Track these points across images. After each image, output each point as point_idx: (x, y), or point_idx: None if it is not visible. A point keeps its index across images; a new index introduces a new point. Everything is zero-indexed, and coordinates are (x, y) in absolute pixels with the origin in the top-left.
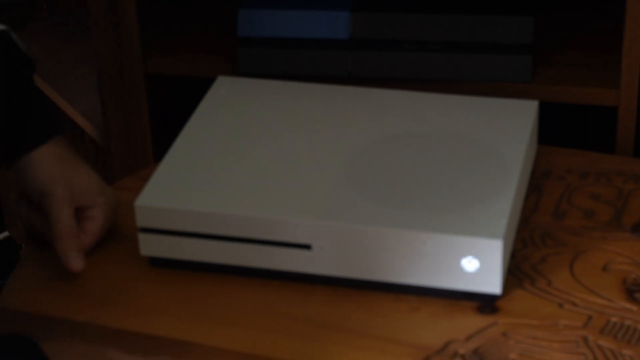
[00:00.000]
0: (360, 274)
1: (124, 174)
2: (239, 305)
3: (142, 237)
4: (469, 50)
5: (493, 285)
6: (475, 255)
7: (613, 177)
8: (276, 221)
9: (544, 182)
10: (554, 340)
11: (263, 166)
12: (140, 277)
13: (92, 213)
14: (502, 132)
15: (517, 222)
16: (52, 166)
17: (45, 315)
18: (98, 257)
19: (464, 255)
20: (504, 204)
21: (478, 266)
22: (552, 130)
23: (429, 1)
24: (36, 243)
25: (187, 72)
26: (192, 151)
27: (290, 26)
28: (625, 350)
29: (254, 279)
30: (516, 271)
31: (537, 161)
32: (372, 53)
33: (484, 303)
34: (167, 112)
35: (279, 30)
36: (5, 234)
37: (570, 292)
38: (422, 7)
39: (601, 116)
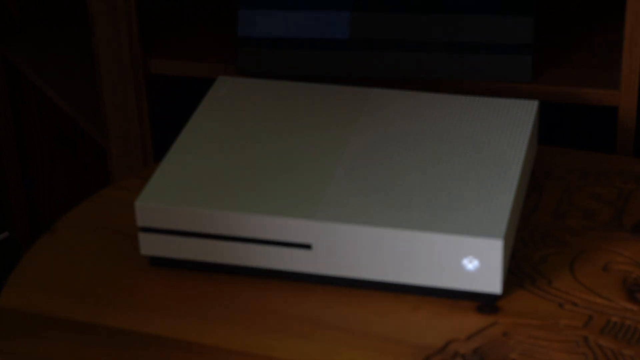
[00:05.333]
0: (360, 274)
1: (124, 174)
2: (239, 305)
3: (142, 237)
4: (469, 50)
5: (493, 285)
6: (476, 255)
7: (613, 177)
8: (276, 221)
9: (544, 182)
10: (555, 340)
11: (263, 166)
12: (140, 277)
13: None
14: (502, 132)
15: (517, 222)
16: None
17: (45, 315)
18: (98, 257)
19: (464, 255)
20: (504, 203)
21: (478, 266)
22: (552, 130)
23: (429, 1)
24: None
25: (187, 72)
26: (193, 151)
27: (290, 26)
28: (625, 350)
29: (254, 279)
30: (516, 271)
31: (537, 161)
32: (372, 53)
33: (484, 303)
34: (167, 112)
35: (279, 30)
36: (5, 234)
37: (570, 292)
38: (422, 7)
39: (601, 116)
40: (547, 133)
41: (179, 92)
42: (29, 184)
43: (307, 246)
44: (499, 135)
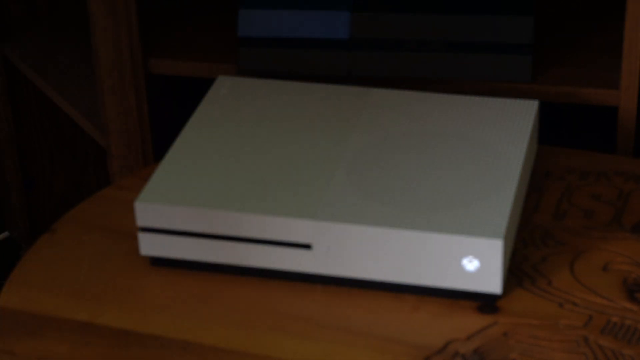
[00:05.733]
0: (360, 274)
1: (124, 174)
2: (239, 305)
3: (142, 237)
4: (469, 50)
5: (493, 285)
6: (476, 255)
7: (613, 177)
8: (276, 221)
9: (544, 182)
10: (555, 340)
11: (263, 166)
12: (140, 277)
13: None
14: (502, 132)
15: (517, 222)
16: None
17: (45, 315)
18: (98, 257)
19: (465, 255)
20: (504, 203)
21: (478, 266)
22: (552, 130)
23: (429, 1)
24: None
25: (187, 72)
26: (193, 151)
27: (290, 26)
28: (625, 350)
29: (254, 279)
30: (516, 271)
31: (537, 161)
32: (372, 53)
33: (484, 303)
34: (167, 112)
35: (279, 30)
36: (5, 234)
37: (570, 292)
38: (422, 7)
39: (601, 116)
40: (547, 133)
41: (179, 92)
42: (29, 184)
43: (307, 246)
44: (499, 135)
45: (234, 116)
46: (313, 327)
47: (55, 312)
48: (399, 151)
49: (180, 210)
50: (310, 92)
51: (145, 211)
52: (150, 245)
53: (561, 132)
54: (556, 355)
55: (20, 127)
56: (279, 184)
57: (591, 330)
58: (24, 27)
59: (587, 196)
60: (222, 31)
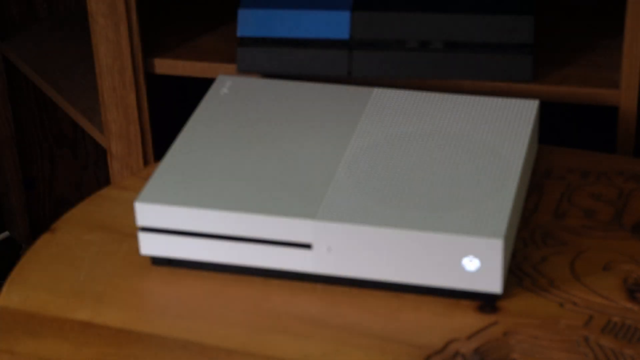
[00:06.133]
0: (360, 274)
1: (124, 174)
2: (239, 305)
3: (142, 237)
4: (469, 49)
5: (494, 284)
6: (476, 255)
7: (613, 177)
8: (276, 221)
9: (544, 182)
10: (555, 339)
11: (263, 165)
12: (140, 277)
13: None
14: (502, 131)
15: (517, 221)
16: None
17: (45, 315)
18: (98, 257)
19: (465, 254)
20: (505, 203)
21: (479, 265)
22: (552, 130)
23: (429, 1)
24: None
25: (187, 72)
26: (193, 150)
27: (290, 26)
28: (626, 349)
29: (254, 279)
30: (517, 271)
31: (537, 161)
32: (372, 53)
33: (484, 302)
34: (167, 112)
35: (278, 30)
36: (6, 234)
37: (571, 291)
38: (422, 7)
39: (601, 116)
40: (547, 133)
41: (179, 92)
42: (29, 184)
43: (307, 246)
44: (500, 135)
45: (234, 116)
46: (313, 327)
47: (55, 312)
48: (399, 151)
49: (180, 210)
50: (310, 92)
51: (145, 211)
52: (150, 245)
53: (561, 132)
54: (556, 355)
55: (20, 127)
56: (279, 184)
57: (592, 330)
58: (24, 27)
59: (587, 196)
60: (222, 31)
